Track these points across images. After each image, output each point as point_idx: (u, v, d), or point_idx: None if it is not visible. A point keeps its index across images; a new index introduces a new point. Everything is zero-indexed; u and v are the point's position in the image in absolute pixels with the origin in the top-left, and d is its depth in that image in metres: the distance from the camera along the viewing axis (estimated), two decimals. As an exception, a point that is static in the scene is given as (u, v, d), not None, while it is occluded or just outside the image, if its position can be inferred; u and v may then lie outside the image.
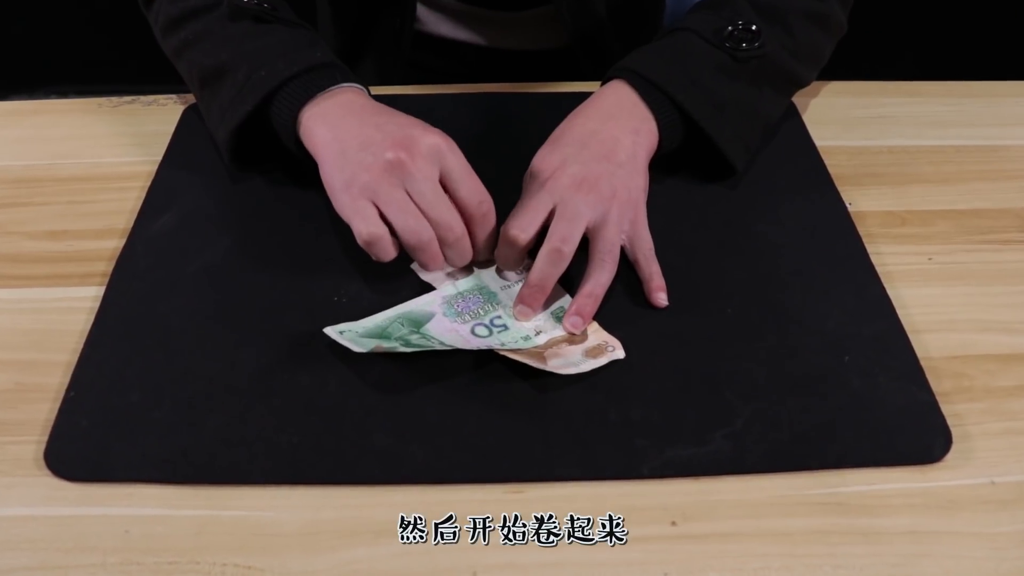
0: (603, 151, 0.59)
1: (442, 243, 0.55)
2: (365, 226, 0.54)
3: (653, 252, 0.59)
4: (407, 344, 0.52)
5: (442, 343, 0.53)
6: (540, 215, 0.56)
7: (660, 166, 0.65)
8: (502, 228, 0.57)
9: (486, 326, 0.55)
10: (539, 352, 0.53)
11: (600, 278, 0.56)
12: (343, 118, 0.59)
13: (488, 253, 0.58)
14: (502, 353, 0.52)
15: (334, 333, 0.53)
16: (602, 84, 0.66)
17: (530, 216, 0.56)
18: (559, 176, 0.57)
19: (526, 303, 0.56)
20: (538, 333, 0.55)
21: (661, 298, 0.57)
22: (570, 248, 0.55)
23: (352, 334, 0.53)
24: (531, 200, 0.57)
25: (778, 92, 0.69)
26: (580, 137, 0.60)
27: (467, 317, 0.56)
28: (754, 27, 0.65)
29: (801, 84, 0.71)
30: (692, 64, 0.64)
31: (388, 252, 0.55)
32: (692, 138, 0.65)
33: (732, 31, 0.65)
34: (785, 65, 0.67)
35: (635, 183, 0.60)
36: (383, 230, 0.54)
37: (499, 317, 0.56)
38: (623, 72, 0.65)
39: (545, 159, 0.59)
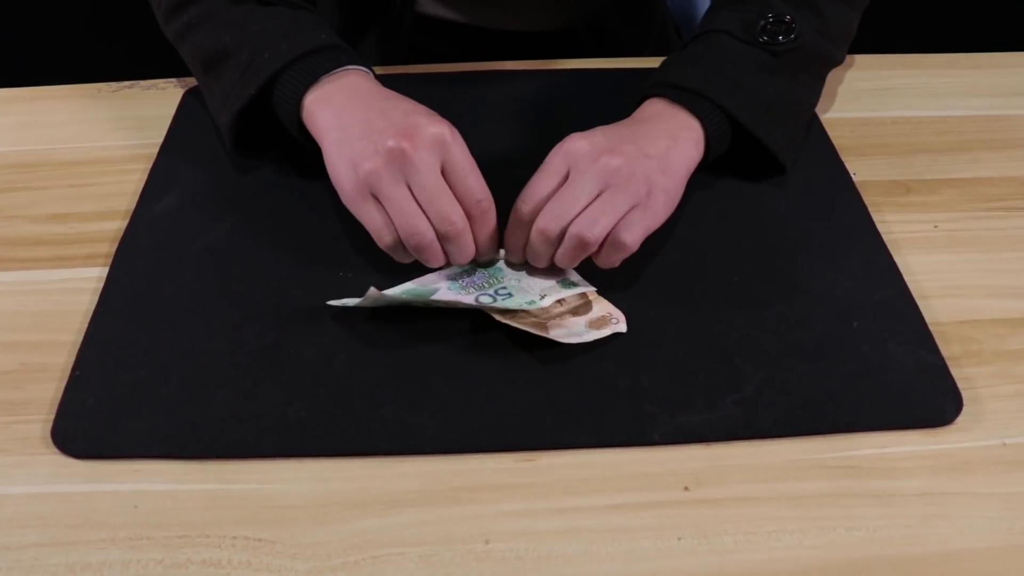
0: (633, 138, 0.56)
1: (443, 238, 0.53)
2: (387, 233, 0.53)
3: (623, 255, 0.54)
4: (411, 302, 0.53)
5: (447, 303, 0.54)
6: (551, 182, 0.54)
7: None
8: (513, 207, 0.55)
9: (490, 295, 0.55)
10: (542, 323, 0.53)
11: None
12: (347, 102, 0.58)
13: (491, 253, 0.56)
14: (503, 322, 0.52)
15: (337, 304, 0.53)
16: (638, 105, 0.62)
17: (539, 185, 0.54)
18: (577, 139, 0.54)
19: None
20: (543, 296, 0.55)
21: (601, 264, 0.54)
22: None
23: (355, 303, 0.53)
24: (542, 168, 0.55)
25: (815, 79, 0.67)
26: (611, 127, 0.58)
27: (471, 290, 0.55)
28: (787, 17, 0.62)
29: (835, 64, 0.68)
30: (731, 67, 0.61)
31: (407, 257, 0.55)
32: (735, 142, 0.62)
33: (764, 25, 0.62)
34: (820, 49, 0.65)
35: (660, 181, 0.55)
36: (399, 237, 0.53)
37: (504, 288, 0.55)
38: (658, 88, 0.61)
39: (570, 138, 0.55)
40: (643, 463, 0.48)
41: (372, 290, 0.51)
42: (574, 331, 0.53)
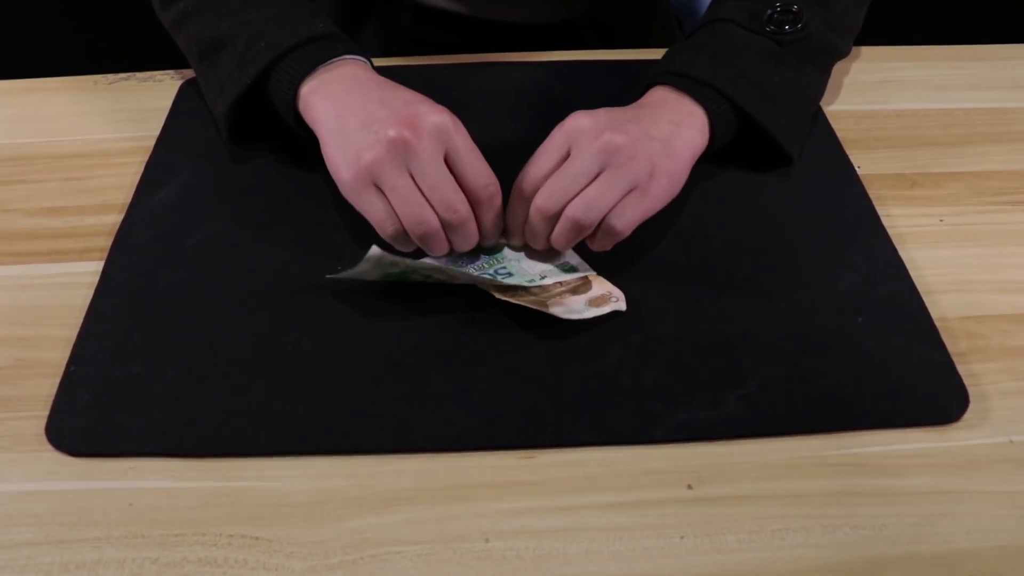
0: (637, 119, 0.56)
1: (447, 227, 0.53)
2: (391, 223, 0.53)
3: (614, 241, 0.54)
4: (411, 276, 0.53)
5: (448, 277, 0.53)
6: (551, 160, 0.54)
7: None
8: (514, 185, 0.55)
9: (491, 274, 0.55)
10: (541, 300, 0.53)
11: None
12: (345, 92, 0.57)
13: (495, 238, 0.56)
14: (503, 299, 0.52)
15: (337, 276, 0.53)
16: (642, 93, 0.62)
17: (540, 162, 0.54)
18: (580, 117, 0.54)
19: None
20: (543, 277, 0.55)
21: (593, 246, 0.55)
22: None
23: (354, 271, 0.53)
24: (544, 145, 0.54)
25: (821, 70, 0.66)
26: (616, 109, 0.57)
27: (472, 270, 0.55)
28: (795, 7, 0.61)
29: (841, 56, 0.68)
30: (736, 55, 0.61)
31: (411, 245, 0.54)
32: (740, 132, 0.62)
33: (771, 14, 0.62)
34: (827, 41, 0.64)
35: (664, 164, 0.54)
36: (402, 226, 0.53)
37: (504, 268, 0.55)
38: (664, 76, 0.61)
39: (572, 115, 0.55)
40: (645, 460, 0.47)
41: (374, 248, 0.49)
42: (574, 308, 0.52)
